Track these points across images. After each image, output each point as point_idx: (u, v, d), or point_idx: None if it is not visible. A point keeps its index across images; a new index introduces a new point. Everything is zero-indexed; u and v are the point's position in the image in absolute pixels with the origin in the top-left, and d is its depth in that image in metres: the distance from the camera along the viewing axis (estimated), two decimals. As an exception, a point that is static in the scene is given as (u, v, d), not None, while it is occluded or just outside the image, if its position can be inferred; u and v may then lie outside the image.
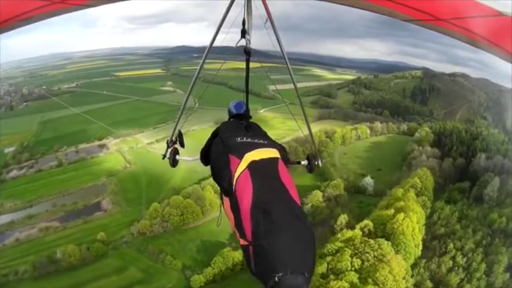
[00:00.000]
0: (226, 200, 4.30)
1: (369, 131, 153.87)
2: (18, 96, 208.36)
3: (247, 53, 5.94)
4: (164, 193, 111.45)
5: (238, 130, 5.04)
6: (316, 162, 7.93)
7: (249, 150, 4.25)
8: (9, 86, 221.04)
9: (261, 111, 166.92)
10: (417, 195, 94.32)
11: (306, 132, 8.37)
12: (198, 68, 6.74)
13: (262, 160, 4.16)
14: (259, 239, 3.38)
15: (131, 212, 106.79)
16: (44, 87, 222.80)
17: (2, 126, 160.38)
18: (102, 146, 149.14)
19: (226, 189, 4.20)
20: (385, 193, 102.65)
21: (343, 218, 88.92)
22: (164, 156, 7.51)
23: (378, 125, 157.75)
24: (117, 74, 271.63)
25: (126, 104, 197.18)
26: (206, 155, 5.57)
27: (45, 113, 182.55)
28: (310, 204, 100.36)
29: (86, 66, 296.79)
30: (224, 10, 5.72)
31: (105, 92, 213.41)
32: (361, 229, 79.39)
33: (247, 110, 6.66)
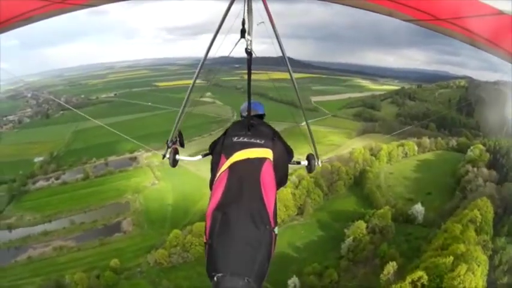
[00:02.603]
0: None
1: (416, 148, 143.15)
2: (56, 105, 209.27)
3: (248, 53, 5.31)
4: (190, 216, 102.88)
5: (241, 129, 5.07)
6: (316, 163, 7.40)
7: (238, 150, 4.51)
8: (48, 94, 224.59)
9: (303, 124, 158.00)
10: (476, 230, 79.09)
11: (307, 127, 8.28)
12: (197, 70, 6.60)
13: (246, 159, 4.41)
14: (212, 237, 3.68)
15: (152, 236, 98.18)
16: (83, 96, 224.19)
17: (36, 134, 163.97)
18: (132, 159, 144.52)
19: (210, 187, 4.51)
20: (436, 223, 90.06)
21: (391, 266, 72.06)
22: (164, 156, 6.94)
23: (425, 140, 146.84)
24: (156, 84, 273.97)
25: (163, 114, 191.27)
26: (213, 149, 5.46)
27: (80, 122, 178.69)
28: (352, 238, 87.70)
29: (126, 76, 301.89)
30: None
31: (150, 104, 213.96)
32: (413, 282, 63.62)
33: (263, 110, 6.64)
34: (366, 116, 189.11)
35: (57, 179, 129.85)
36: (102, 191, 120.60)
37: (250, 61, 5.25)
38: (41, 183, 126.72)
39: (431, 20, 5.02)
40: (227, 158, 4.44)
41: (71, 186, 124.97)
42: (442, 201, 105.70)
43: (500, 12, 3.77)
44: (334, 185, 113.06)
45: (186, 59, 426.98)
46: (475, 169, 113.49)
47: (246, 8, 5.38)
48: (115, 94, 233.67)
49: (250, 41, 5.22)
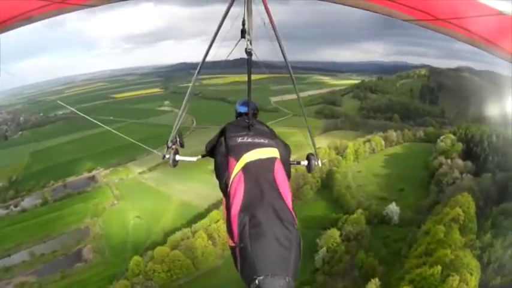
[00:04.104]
0: (224, 199, 4.53)
1: (383, 142, 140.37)
2: (14, 125, 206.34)
3: (247, 53, 5.30)
4: (154, 236, 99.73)
5: (241, 130, 5.08)
6: (316, 163, 7.50)
7: (247, 151, 4.50)
8: (7, 114, 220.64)
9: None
10: (460, 230, 75.20)
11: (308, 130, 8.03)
12: (196, 73, 6.92)
13: (258, 160, 4.42)
14: (244, 241, 3.59)
15: (114, 263, 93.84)
16: (41, 114, 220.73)
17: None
18: (91, 179, 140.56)
19: (223, 189, 4.49)
20: (414, 222, 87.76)
21: (373, 284, 67.04)
22: (164, 156, 7.01)
23: (392, 133, 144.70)
24: (114, 96, 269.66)
25: (121, 128, 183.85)
26: (211, 150, 5.64)
27: (39, 142, 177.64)
28: (325, 248, 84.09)
29: (84, 90, 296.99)
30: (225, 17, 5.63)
31: (112, 118, 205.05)
32: (402, 299, 59.76)
33: (257, 109, 6.48)
34: (327, 112, 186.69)
35: (16, 206, 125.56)
36: (61, 216, 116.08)
37: (250, 61, 5.24)
38: (0, 211, 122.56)
39: (431, 20, 5.16)
40: (237, 160, 4.41)
41: (30, 214, 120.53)
42: (416, 197, 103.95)
43: (500, 13, 3.87)
44: (300, 190, 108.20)
45: (145, 68, 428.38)
46: (449, 161, 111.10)
47: (246, 9, 5.42)
48: (72, 110, 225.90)
49: (250, 41, 5.19)
